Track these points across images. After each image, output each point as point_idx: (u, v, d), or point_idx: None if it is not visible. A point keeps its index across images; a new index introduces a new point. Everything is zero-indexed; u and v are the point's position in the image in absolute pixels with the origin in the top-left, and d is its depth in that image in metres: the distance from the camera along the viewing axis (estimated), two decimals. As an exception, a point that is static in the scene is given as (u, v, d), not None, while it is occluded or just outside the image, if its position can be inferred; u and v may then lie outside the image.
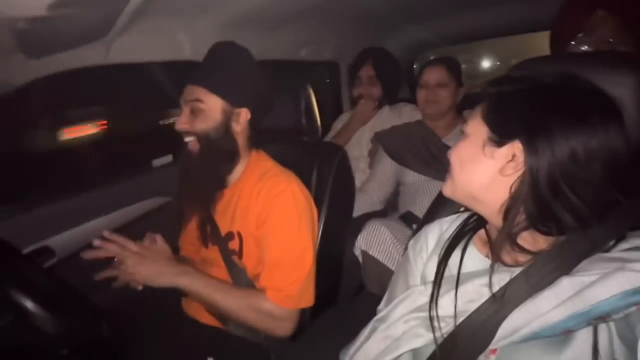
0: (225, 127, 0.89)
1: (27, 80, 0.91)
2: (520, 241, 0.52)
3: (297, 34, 1.61)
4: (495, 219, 0.55)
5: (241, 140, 0.94)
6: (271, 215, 0.87)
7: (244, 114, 0.91)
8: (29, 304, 0.59)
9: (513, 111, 0.53)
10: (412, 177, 1.52)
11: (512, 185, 0.52)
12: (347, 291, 0.97)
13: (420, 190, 1.48)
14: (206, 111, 0.88)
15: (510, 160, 0.52)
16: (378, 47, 1.91)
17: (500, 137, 0.53)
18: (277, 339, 0.90)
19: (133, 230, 1.25)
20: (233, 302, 0.85)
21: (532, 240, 0.53)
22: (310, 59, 1.81)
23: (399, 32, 2.07)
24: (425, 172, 1.48)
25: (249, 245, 0.90)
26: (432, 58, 1.70)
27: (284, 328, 0.88)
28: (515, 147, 0.51)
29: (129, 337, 0.86)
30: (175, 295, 1.04)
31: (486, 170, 0.54)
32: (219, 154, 0.91)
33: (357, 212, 1.55)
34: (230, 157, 0.93)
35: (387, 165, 1.58)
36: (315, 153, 1.13)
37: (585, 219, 0.48)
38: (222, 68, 0.89)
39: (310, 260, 0.89)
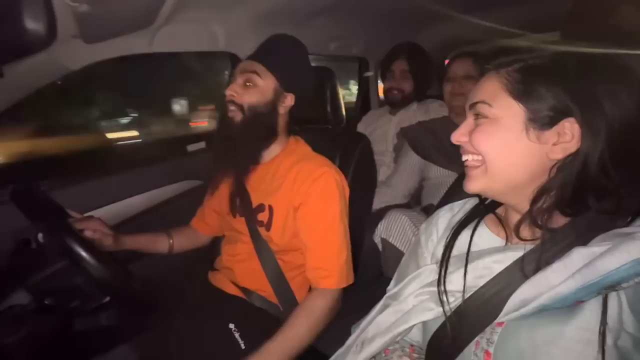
0: (273, 106, 0.95)
1: (83, 65, 1.02)
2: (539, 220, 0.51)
3: (327, 28, 1.65)
4: (522, 205, 0.53)
5: (281, 122, 0.99)
6: (312, 198, 0.90)
7: (290, 99, 0.97)
8: (82, 252, 0.70)
9: (557, 86, 0.48)
10: (436, 172, 1.52)
11: (551, 168, 0.49)
12: (365, 279, 0.99)
13: (444, 185, 1.47)
14: (260, 87, 0.93)
15: (557, 143, 0.48)
16: (413, 42, 1.91)
17: (548, 117, 0.48)
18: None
19: (167, 208, 1.35)
20: (303, 330, 0.84)
21: (549, 218, 0.51)
22: (339, 54, 1.84)
23: (430, 29, 2.06)
24: (451, 167, 1.47)
25: (279, 218, 0.94)
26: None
27: (338, 308, 0.90)
28: (569, 126, 0.48)
29: (159, 300, 0.93)
30: (202, 266, 1.11)
31: (533, 156, 0.50)
32: (260, 129, 0.95)
33: (380, 205, 1.57)
34: (268, 134, 0.98)
35: (412, 160, 1.58)
36: (338, 141, 1.16)
37: (606, 199, 0.47)
38: (282, 53, 0.96)
39: (348, 240, 0.93)
